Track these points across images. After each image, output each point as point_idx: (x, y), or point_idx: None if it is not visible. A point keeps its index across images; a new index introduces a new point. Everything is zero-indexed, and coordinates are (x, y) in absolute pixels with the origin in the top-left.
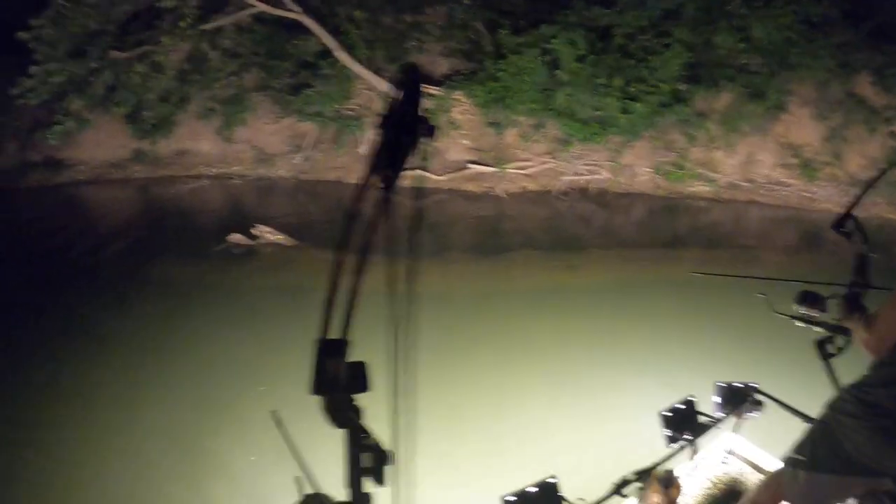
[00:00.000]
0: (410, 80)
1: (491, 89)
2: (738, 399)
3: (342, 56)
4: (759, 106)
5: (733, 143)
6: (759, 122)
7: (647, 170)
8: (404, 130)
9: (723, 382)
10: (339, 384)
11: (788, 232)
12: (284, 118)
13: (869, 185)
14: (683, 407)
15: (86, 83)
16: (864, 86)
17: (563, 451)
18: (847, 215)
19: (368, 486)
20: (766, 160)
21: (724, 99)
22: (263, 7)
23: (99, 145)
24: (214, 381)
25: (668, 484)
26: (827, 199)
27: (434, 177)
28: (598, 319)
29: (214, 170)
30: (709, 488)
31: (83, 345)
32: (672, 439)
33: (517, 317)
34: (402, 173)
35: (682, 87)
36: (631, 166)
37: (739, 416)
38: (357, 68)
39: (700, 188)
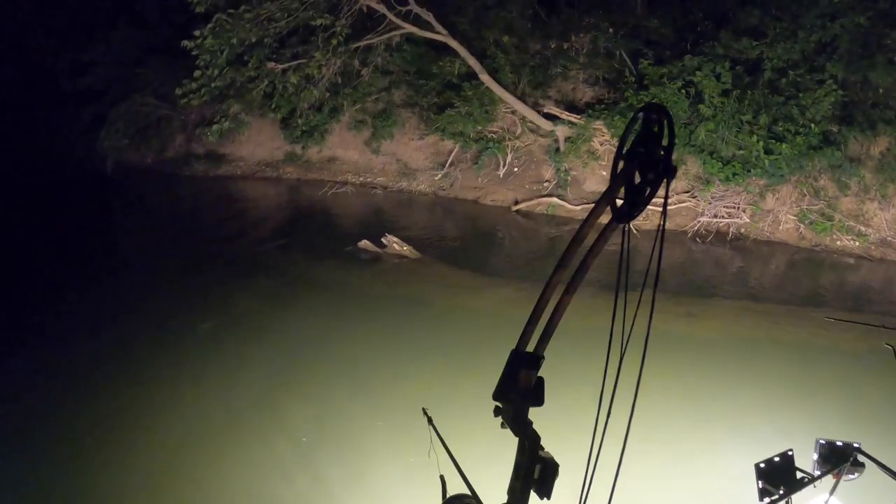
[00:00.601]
0: (658, 119)
1: (627, 119)
2: (838, 458)
3: (486, 79)
4: None
5: (890, 194)
6: None
7: (791, 217)
8: (648, 168)
9: (824, 439)
10: (526, 395)
11: None
12: (429, 135)
13: None
14: (779, 460)
15: (244, 89)
16: None
17: None
18: None
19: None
20: None
21: (881, 144)
22: (412, 29)
23: (258, 145)
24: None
25: None
26: None
27: (569, 206)
28: (699, 373)
29: (360, 178)
30: None
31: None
32: (764, 492)
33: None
34: (640, 210)
35: (835, 128)
36: (773, 212)
37: (838, 476)
38: (500, 92)
39: (848, 242)
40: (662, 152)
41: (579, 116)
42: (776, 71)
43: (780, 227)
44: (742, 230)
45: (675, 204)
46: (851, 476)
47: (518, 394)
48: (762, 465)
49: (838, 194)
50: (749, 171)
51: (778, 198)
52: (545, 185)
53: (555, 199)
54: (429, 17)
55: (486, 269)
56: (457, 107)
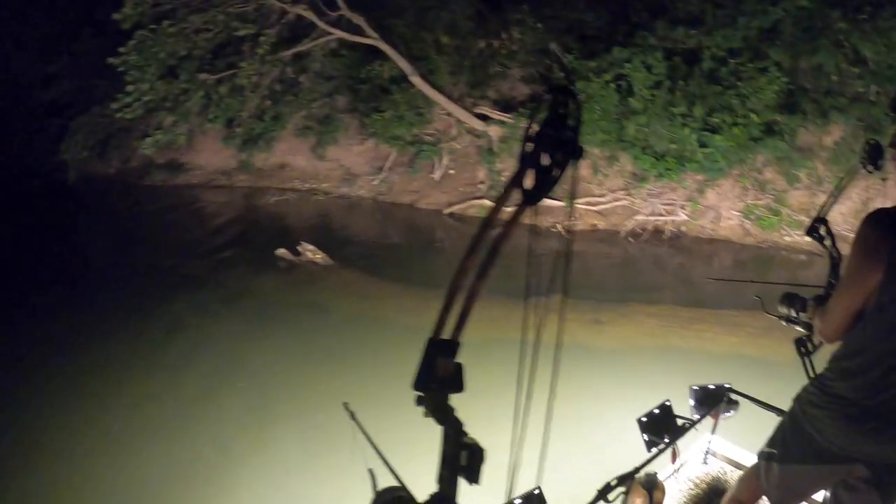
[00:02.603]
0: (561, 99)
1: None
2: (713, 400)
3: (417, 81)
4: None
5: (845, 186)
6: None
7: (735, 213)
8: (554, 149)
9: (697, 385)
10: (444, 382)
11: None
12: (368, 140)
13: (838, 190)
14: (659, 411)
15: (178, 101)
16: None
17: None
18: (819, 220)
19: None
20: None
21: (834, 134)
22: (341, 34)
23: (214, 154)
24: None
25: (651, 487)
26: None
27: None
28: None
29: (306, 185)
30: (691, 489)
31: None
32: (651, 443)
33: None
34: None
35: (780, 118)
36: (715, 208)
37: (716, 416)
38: (432, 93)
39: (798, 238)
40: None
41: (509, 115)
42: (716, 60)
43: (723, 224)
44: (682, 228)
45: (610, 202)
46: (728, 414)
47: (437, 382)
48: (644, 419)
49: (788, 188)
50: (684, 165)
51: (719, 193)
52: (479, 186)
53: (485, 201)
54: (360, 20)
55: (401, 276)
56: (383, 111)
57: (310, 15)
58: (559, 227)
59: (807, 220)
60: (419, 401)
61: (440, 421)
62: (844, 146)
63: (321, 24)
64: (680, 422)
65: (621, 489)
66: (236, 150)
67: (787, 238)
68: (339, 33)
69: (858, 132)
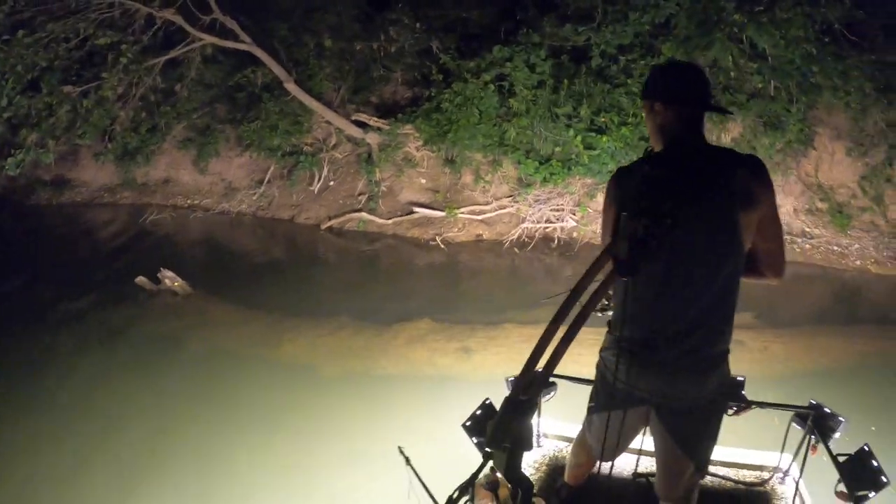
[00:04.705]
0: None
1: (435, 121)
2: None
3: (292, 88)
4: (777, 139)
5: None
6: (779, 159)
7: None
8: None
9: (512, 376)
10: (517, 441)
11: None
12: (247, 152)
13: None
14: (481, 412)
15: (40, 116)
16: None
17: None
18: None
19: None
20: (786, 205)
21: (732, 131)
22: (211, 40)
23: (99, 169)
24: None
25: (494, 487)
26: (861, 254)
27: (379, 220)
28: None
29: (188, 201)
30: (532, 474)
31: None
32: (482, 445)
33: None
34: None
35: None
36: None
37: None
38: (307, 100)
39: None
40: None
41: (386, 122)
42: (605, 57)
43: None
44: (573, 235)
45: (495, 210)
46: (548, 396)
47: (512, 441)
48: (469, 423)
49: None
50: (570, 169)
51: None
52: (359, 198)
53: (364, 214)
54: (233, 24)
55: (263, 302)
56: (254, 120)
57: (178, 20)
58: (438, 239)
59: None
60: (486, 457)
61: (511, 480)
62: (744, 143)
63: (191, 30)
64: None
65: (465, 498)
66: (113, 165)
67: None
68: (210, 39)
69: (759, 128)
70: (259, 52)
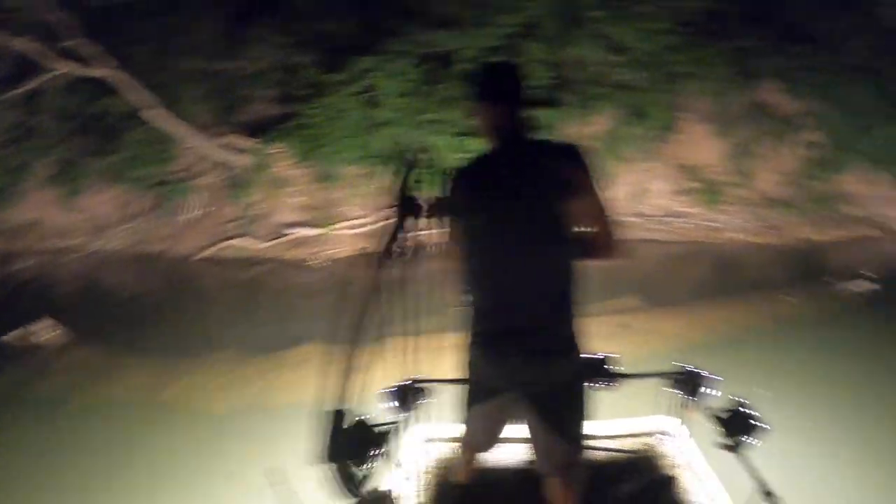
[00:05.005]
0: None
1: (304, 137)
2: (403, 395)
3: (151, 115)
4: (644, 127)
5: (616, 173)
6: (647, 146)
7: None
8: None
9: (383, 389)
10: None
11: (686, 273)
12: (114, 185)
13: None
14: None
15: None
16: (770, 93)
17: None
18: None
19: None
20: (659, 189)
21: (599, 123)
22: (66, 68)
23: None
24: None
25: (381, 502)
26: (735, 226)
27: (255, 245)
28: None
29: (60, 242)
30: (423, 479)
31: None
32: (360, 462)
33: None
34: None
35: (541, 112)
36: None
37: (414, 408)
38: (171, 126)
39: None
40: None
41: (255, 141)
42: (473, 61)
43: None
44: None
45: (376, 221)
46: (423, 401)
47: (346, 453)
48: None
49: None
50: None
51: None
52: (234, 224)
53: (237, 241)
54: (91, 50)
55: (140, 344)
56: (114, 152)
57: (31, 48)
58: (319, 257)
59: None
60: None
61: (352, 493)
62: (614, 134)
63: (44, 60)
64: (380, 430)
65: None
66: None
67: None
68: (66, 66)
69: (624, 120)
70: (117, 78)
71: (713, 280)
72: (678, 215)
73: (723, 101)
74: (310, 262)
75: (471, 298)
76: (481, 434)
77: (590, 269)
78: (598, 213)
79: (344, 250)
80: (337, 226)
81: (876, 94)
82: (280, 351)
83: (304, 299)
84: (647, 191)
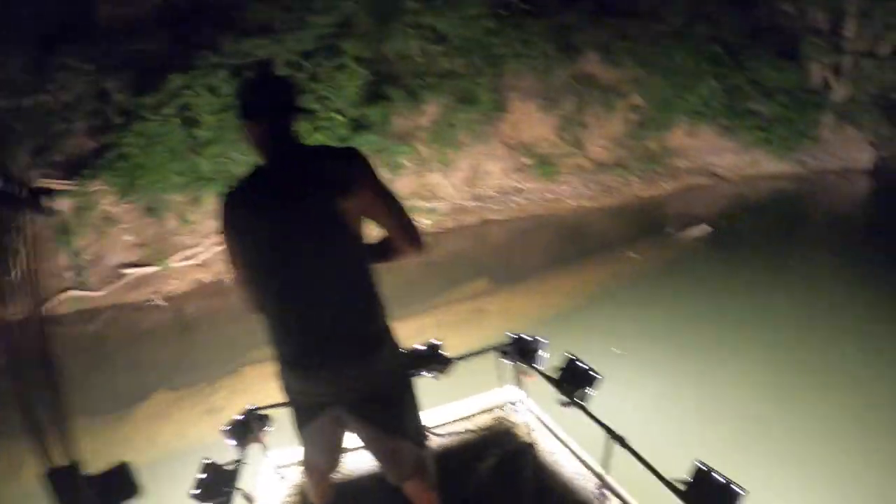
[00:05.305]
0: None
1: (123, 170)
2: (244, 430)
3: None
4: (473, 112)
5: (451, 160)
6: (479, 129)
7: None
8: None
9: (225, 424)
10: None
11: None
12: None
13: None
14: (205, 474)
15: None
16: (593, 65)
17: None
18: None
19: None
20: (495, 169)
21: (429, 113)
22: None
23: None
24: None
25: None
26: (573, 194)
27: (93, 294)
28: None
29: None
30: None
31: None
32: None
33: None
34: None
35: (366, 111)
36: None
37: (259, 439)
38: None
39: (419, 223)
40: None
41: (72, 182)
42: (290, 66)
43: None
44: None
45: (209, 249)
46: (268, 429)
47: None
48: (197, 492)
49: (392, 176)
50: None
51: None
52: (66, 275)
53: (71, 293)
54: None
55: None
56: None
57: None
58: (157, 297)
59: (422, 205)
60: None
61: None
62: (443, 122)
63: None
64: (230, 467)
65: None
66: None
67: None
68: None
69: (452, 106)
70: None
71: (559, 250)
72: (517, 192)
73: (547, 77)
74: (150, 303)
75: (267, 320)
76: (319, 454)
77: (434, 259)
78: (389, 209)
79: (182, 285)
80: (171, 259)
81: (692, 54)
82: (130, 406)
83: (151, 342)
84: (486, 173)
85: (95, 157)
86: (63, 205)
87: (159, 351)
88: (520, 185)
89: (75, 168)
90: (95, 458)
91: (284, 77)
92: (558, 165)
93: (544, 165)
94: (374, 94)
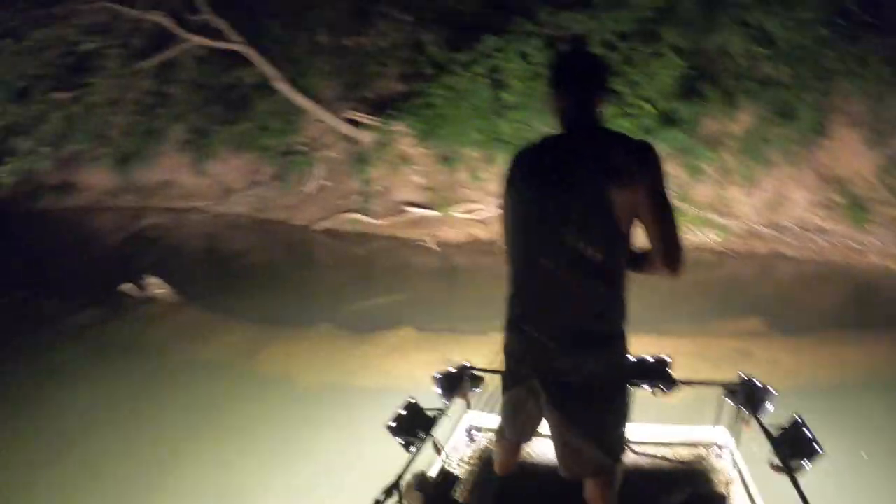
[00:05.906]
0: None
1: (427, 117)
2: (456, 382)
3: (282, 86)
4: (790, 129)
5: (755, 177)
6: (791, 149)
7: None
8: None
9: (438, 373)
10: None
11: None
12: (241, 153)
13: None
14: (406, 412)
15: (34, 124)
16: None
17: None
18: None
19: None
20: (799, 199)
21: (742, 121)
22: (200, 40)
23: (102, 172)
24: None
25: (423, 486)
26: (880, 250)
27: (370, 220)
28: None
29: (187, 203)
30: (465, 468)
31: None
32: (408, 444)
33: None
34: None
35: (678, 105)
36: None
37: (465, 396)
38: (298, 99)
39: (707, 237)
40: None
41: (377, 119)
42: (605, 45)
43: None
44: None
45: (492, 209)
46: (476, 390)
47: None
48: (392, 425)
49: (691, 181)
50: None
51: None
52: (354, 199)
53: (355, 215)
54: (222, 24)
55: (247, 308)
56: (243, 121)
57: (166, 22)
58: (432, 240)
59: (715, 219)
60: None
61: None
62: (756, 134)
63: (178, 32)
64: (431, 413)
65: (393, 500)
66: (109, 169)
67: (691, 238)
68: (199, 40)
69: (769, 119)
70: (248, 51)
71: (850, 309)
72: (819, 231)
73: (881, 105)
74: (423, 243)
75: (511, 277)
76: (511, 423)
77: (711, 280)
78: (660, 216)
79: (457, 235)
80: (454, 209)
81: None
82: (374, 332)
83: (412, 280)
84: (789, 200)
85: (403, 100)
86: (365, 137)
87: (418, 290)
88: (823, 224)
89: (381, 107)
90: (332, 371)
91: (598, 55)
92: (871, 212)
93: (855, 208)
94: (688, 89)
